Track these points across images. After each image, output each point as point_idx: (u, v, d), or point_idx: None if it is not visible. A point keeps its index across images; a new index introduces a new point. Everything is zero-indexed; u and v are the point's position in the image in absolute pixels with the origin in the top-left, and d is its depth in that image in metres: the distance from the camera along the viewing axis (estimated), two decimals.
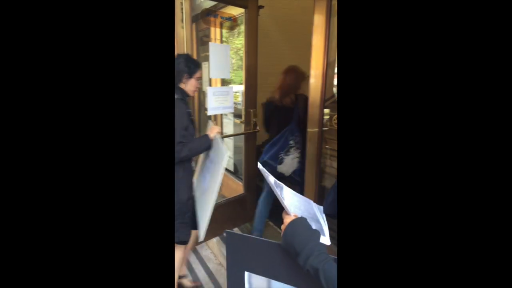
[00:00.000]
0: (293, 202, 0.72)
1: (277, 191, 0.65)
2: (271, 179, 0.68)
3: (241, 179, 2.63)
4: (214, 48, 1.82)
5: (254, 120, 2.14)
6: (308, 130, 1.58)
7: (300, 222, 0.59)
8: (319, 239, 0.55)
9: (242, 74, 2.24)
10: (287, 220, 0.60)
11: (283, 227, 0.61)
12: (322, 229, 0.69)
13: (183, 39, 1.59)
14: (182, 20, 1.58)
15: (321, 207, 0.80)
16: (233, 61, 4.35)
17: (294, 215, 0.62)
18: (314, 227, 0.68)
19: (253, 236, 0.63)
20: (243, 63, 2.12)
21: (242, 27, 2.14)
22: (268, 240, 0.61)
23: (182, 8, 1.56)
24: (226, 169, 2.95)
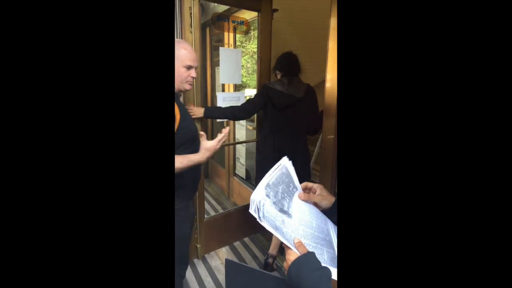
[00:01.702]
0: (304, 217, 0.63)
1: (281, 215, 0.57)
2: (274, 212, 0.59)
3: (253, 185, 2.56)
4: (225, 52, 1.77)
5: None
6: (323, 137, 1.50)
7: (307, 260, 0.50)
8: (329, 281, 0.47)
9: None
10: (290, 257, 0.52)
11: (285, 265, 0.52)
12: (335, 258, 0.60)
13: (192, 43, 1.55)
14: (191, 25, 1.54)
15: (334, 225, 0.71)
16: (249, 65, 4.32)
17: (298, 243, 0.53)
18: (326, 255, 0.59)
19: (254, 268, 0.56)
20: (256, 68, 2.06)
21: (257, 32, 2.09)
22: (269, 273, 0.54)
23: (191, 13, 1.53)
24: (237, 176, 2.89)
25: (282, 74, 1.78)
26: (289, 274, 0.50)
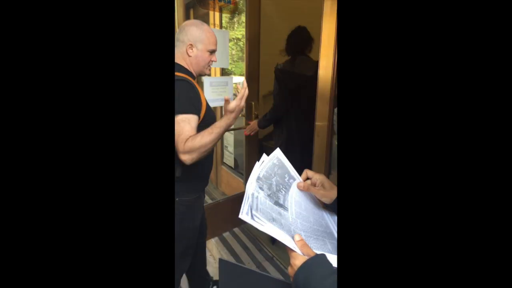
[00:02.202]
0: (300, 211, 0.59)
1: (278, 209, 0.51)
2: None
3: (242, 174, 2.50)
4: None
5: (255, 113, 2.01)
6: (316, 123, 1.45)
7: (317, 264, 0.43)
8: None
9: (242, 65, 2.09)
10: (295, 261, 0.45)
11: (291, 271, 0.46)
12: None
13: (175, 23, 1.43)
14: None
15: (333, 215, 0.67)
16: (234, 52, 4.17)
17: (300, 241, 0.47)
18: (329, 245, 0.54)
19: (249, 268, 0.50)
20: (244, 52, 1.96)
21: (243, 17, 1.97)
22: (265, 273, 0.48)
23: None
24: (226, 165, 2.82)
25: (289, 54, 1.71)
26: (296, 281, 0.43)
